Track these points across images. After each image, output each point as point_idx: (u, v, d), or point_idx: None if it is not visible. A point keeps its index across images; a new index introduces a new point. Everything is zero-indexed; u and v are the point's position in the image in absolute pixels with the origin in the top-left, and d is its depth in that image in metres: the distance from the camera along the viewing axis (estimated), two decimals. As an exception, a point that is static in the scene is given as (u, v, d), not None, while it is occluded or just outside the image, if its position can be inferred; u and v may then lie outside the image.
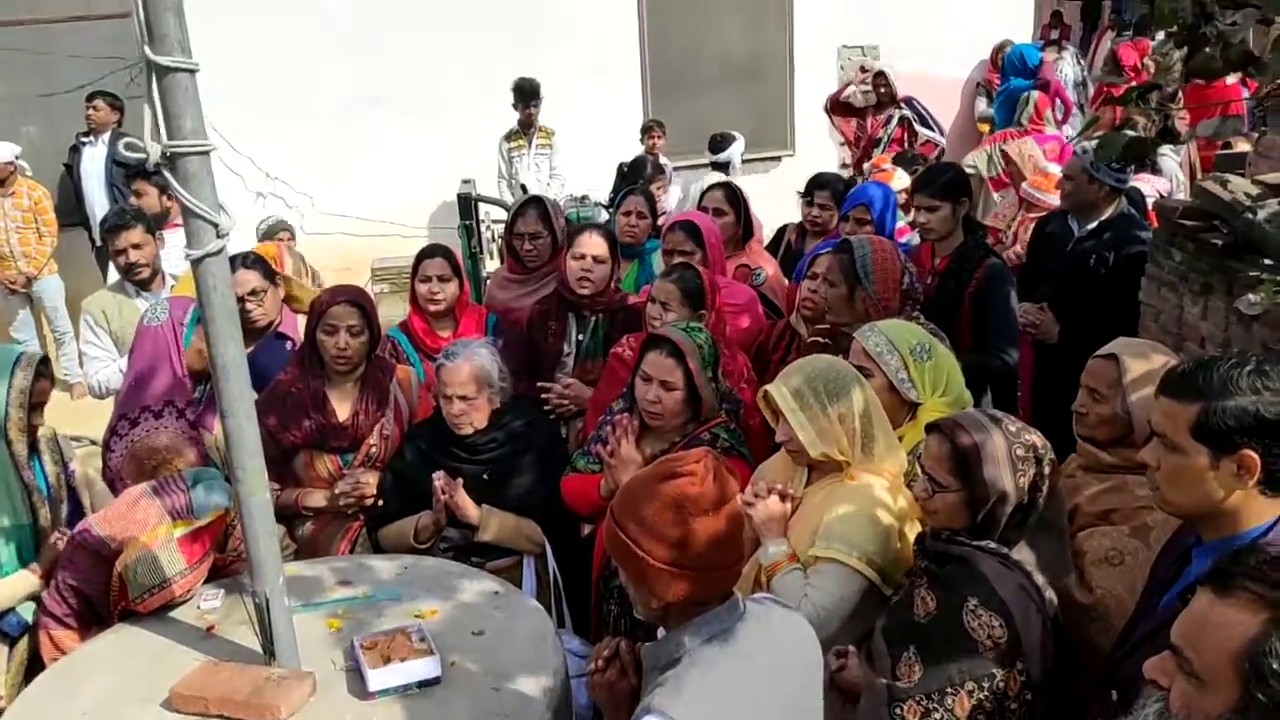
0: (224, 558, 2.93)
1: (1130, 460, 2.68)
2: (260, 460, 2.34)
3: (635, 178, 7.17)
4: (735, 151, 7.61)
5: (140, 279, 4.72)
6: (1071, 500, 2.66)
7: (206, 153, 2.11)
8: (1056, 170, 5.98)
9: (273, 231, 6.45)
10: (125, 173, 7.37)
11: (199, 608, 2.81)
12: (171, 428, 3.25)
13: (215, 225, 2.13)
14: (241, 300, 4.05)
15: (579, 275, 4.09)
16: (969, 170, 7.58)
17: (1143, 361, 2.72)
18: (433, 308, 4.15)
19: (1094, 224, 4.55)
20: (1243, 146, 6.01)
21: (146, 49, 1.99)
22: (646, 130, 8.69)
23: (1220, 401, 1.89)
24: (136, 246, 4.67)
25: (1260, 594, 1.41)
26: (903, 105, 8.15)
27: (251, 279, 4.19)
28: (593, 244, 4.12)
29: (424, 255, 4.24)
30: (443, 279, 4.15)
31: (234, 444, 2.30)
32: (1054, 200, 5.75)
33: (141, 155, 2.08)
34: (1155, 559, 2.26)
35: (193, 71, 2.04)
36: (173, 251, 5.29)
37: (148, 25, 1.99)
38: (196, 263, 2.15)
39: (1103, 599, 2.49)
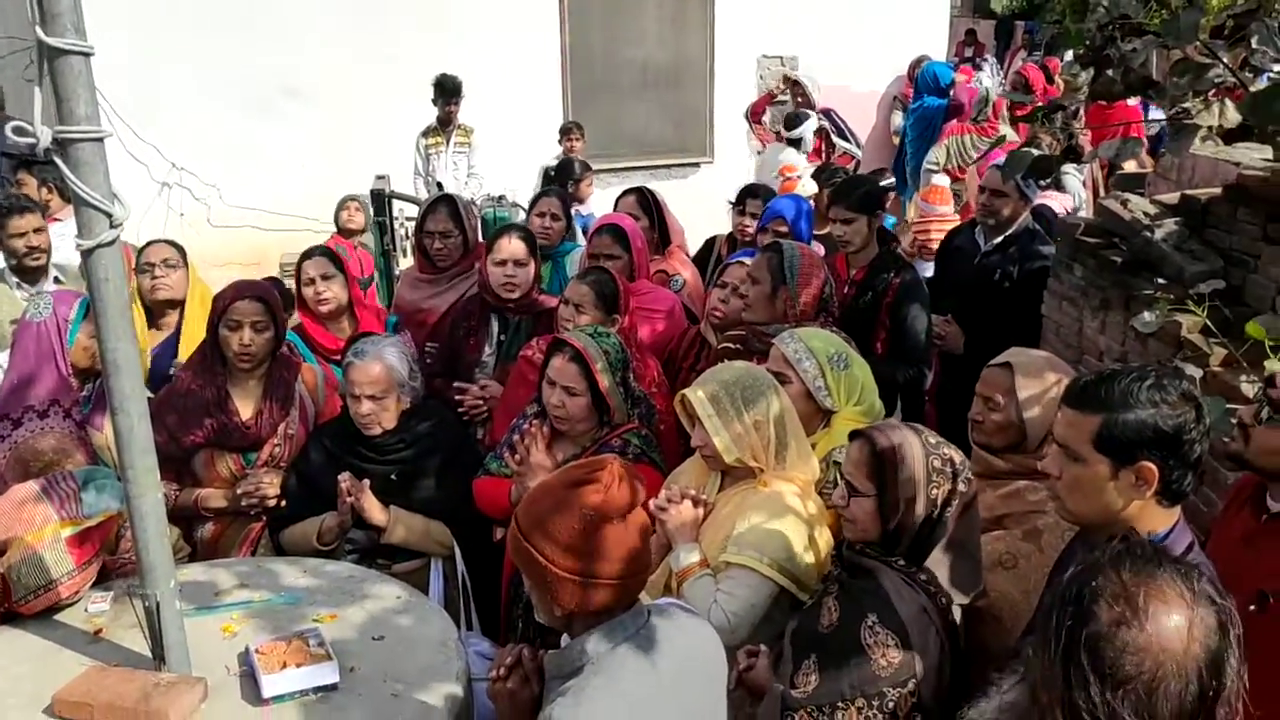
0: (113, 560, 2.82)
1: (1024, 466, 2.76)
2: (153, 460, 2.26)
3: (563, 178, 7.16)
4: (808, 129, 8.08)
5: (37, 265, 4.60)
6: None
7: (100, 139, 2.03)
8: (945, 182, 6.24)
9: (341, 203, 7.36)
10: (13, 163, 7.11)
11: (86, 610, 2.71)
12: (58, 429, 3.12)
13: (108, 215, 2.05)
14: (151, 267, 4.06)
15: (503, 281, 4.03)
16: (930, 167, 7.86)
17: (1034, 369, 2.79)
18: (323, 309, 4.08)
19: (1000, 239, 4.66)
20: (1129, 167, 6.23)
21: (38, 29, 1.91)
22: (565, 132, 8.66)
23: (1121, 414, 1.94)
24: (38, 231, 4.61)
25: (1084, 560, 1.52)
26: (821, 116, 8.28)
27: (164, 249, 4.15)
28: (513, 248, 4.06)
29: (304, 257, 4.17)
30: (326, 277, 4.08)
31: (125, 443, 2.21)
32: (945, 211, 6.00)
33: (30, 140, 1.99)
34: (1052, 569, 2.31)
35: (87, 55, 1.96)
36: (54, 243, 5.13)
37: (39, 4, 1.91)
38: (88, 253, 2.07)
39: (996, 602, 2.53)
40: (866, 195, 4.43)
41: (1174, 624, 1.40)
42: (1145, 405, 1.93)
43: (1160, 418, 1.93)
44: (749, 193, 5.37)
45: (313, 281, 4.08)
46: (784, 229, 4.67)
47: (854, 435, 2.45)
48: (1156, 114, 5.74)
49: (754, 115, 9.00)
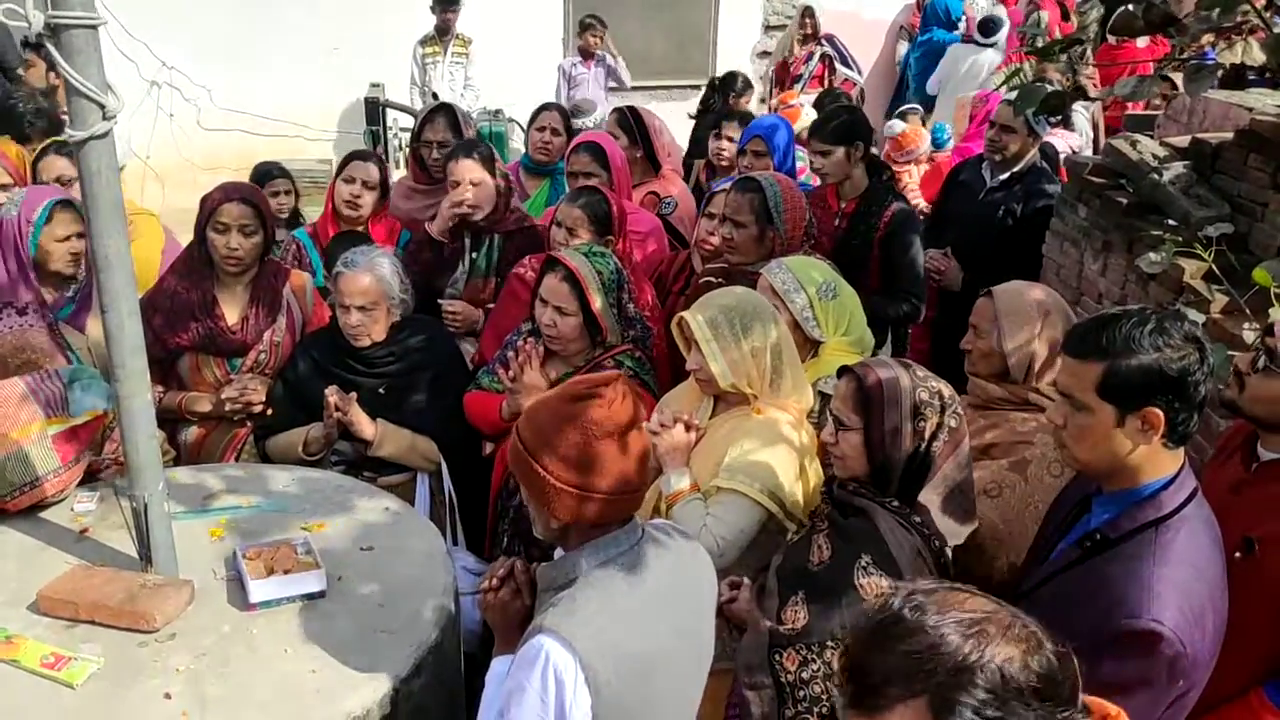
0: (98, 461, 2.81)
1: (1018, 395, 2.76)
2: (143, 360, 2.23)
3: (726, 90, 7.05)
4: (1003, 35, 8.44)
5: None
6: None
7: (94, 27, 1.96)
8: (903, 128, 6.33)
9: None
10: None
11: (73, 509, 2.71)
12: (37, 327, 3.07)
13: (102, 106, 1.99)
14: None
15: (466, 209, 3.93)
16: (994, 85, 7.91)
17: (1016, 298, 2.78)
18: (349, 211, 4.02)
19: (1006, 175, 4.60)
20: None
21: (31, -94, 1.83)
22: (586, 26, 8.40)
23: (1124, 360, 1.91)
24: None
25: (905, 692, 1.21)
26: (824, 42, 8.14)
27: (59, 164, 4.01)
28: (465, 169, 3.91)
29: (356, 156, 4.13)
30: (368, 185, 4.03)
31: (115, 342, 2.18)
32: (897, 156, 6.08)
33: (21, 23, 1.92)
34: (1051, 505, 2.31)
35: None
36: None
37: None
38: (79, 145, 2.01)
39: (978, 530, 2.53)
40: (842, 125, 4.28)
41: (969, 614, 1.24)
42: (1148, 350, 1.90)
43: (1164, 362, 1.90)
44: (726, 117, 5.24)
45: (354, 181, 4.02)
46: (762, 148, 4.55)
47: (843, 371, 2.43)
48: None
49: (777, 79, 8.87)
